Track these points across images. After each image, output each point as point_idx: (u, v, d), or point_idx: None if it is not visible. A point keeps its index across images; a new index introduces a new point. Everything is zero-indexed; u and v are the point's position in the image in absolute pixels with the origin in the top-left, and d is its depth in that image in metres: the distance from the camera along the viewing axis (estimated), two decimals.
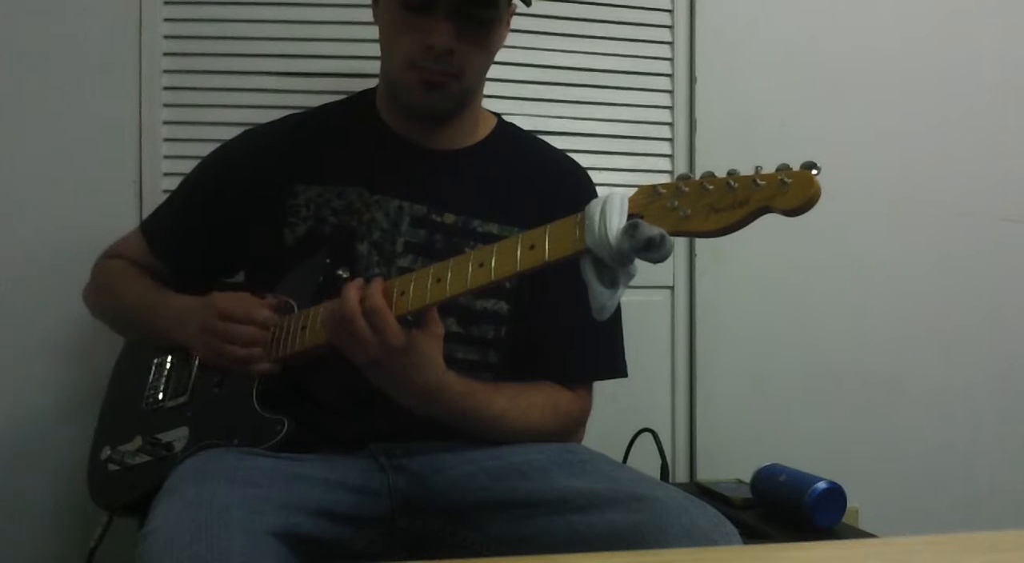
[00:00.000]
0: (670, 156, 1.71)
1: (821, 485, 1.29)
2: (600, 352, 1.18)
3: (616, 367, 1.22)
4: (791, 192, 0.76)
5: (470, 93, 1.21)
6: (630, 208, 0.84)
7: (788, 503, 1.32)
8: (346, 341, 0.97)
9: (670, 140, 1.71)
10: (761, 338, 1.74)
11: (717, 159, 1.70)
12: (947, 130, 1.82)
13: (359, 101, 1.29)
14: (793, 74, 1.76)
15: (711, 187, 0.80)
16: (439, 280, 0.95)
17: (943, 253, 1.82)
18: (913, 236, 1.80)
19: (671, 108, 1.71)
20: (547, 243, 0.88)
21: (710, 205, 0.80)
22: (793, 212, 0.77)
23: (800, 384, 1.75)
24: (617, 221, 0.82)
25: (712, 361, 1.72)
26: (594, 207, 0.84)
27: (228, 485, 0.93)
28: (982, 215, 1.83)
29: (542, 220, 1.06)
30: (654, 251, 0.79)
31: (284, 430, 1.06)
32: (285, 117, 1.32)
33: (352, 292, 0.96)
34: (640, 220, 0.81)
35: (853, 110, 1.78)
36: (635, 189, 0.86)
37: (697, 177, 0.82)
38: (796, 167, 0.78)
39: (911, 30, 1.80)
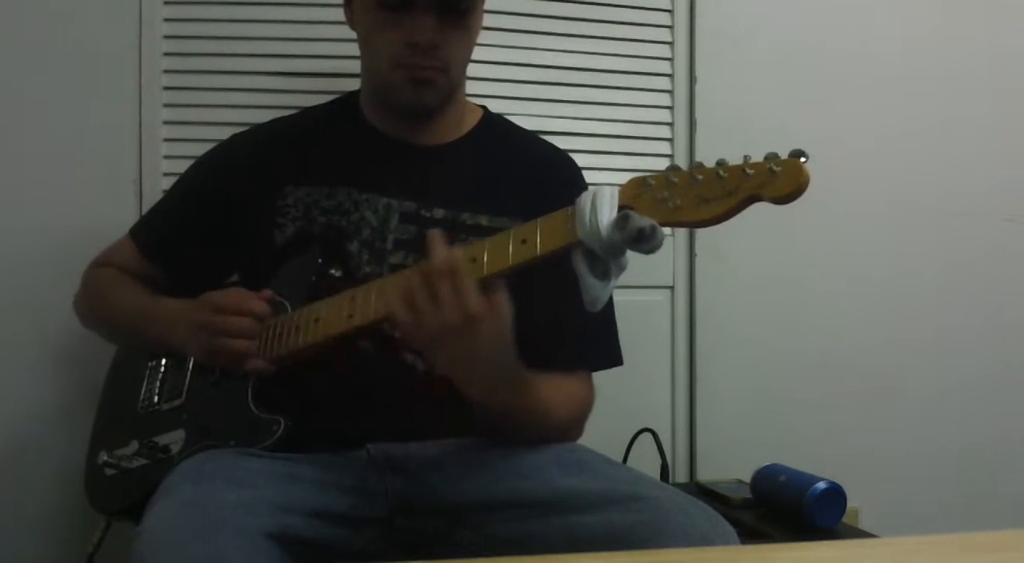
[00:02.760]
0: (670, 156, 1.71)
1: (821, 485, 1.29)
2: (597, 343, 1.18)
3: (613, 357, 1.22)
4: (780, 180, 0.77)
5: (456, 86, 1.21)
6: (620, 200, 0.84)
7: (788, 503, 1.32)
8: (420, 306, 0.89)
9: (670, 140, 1.71)
10: (761, 338, 1.74)
11: (717, 159, 1.71)
12: (947, 130, 1.82)
13: (344, 102, 1.29)
14: (793, 74, 1.76)
15: (700, 177, 0.81)
16: None
17: (943, 253, 1.82)
18: (913, 236, 1.80)
19: (671, 108, 1.71)
20: (539, 237, 0.88)
21: (700, 195, 0.81)
22: (783, 200, 0.77)
23: (800, 384, 1.75)
24: (608, 213, 0.83)
25: (712, 361, 1.72)
26: (584, 200, 0.85)
27: (224, 486, 0.92)
28: (982, 215, 1.83)
29: (532, 210, 1.06)
30: (645, 242, 0.80)
31: (280, 430, 1.06)
32: (272, 120, 1.33)
33: (442, 247, 0.89)
34: (631, 211, 0.81)
35: (853, 110, 1.78)
36: (625, 181, 0.86)
37: (687, 168, 0.83)
38: (785, 155, 0.78)
39: (911, 30, 1.80)
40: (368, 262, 1.16)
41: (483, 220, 1.18)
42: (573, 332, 1.15)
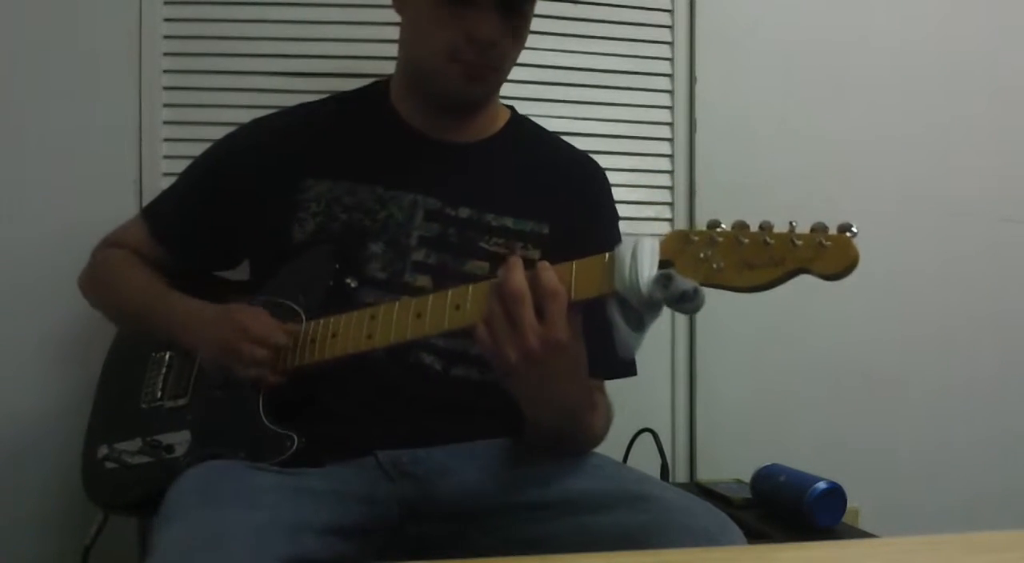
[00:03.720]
0: (670, 156, 1.71)
1: (821, 485, 1.29)
2: (613, 352, 1.17)
3: (628, 366, 1.20)
4: (830, 256, 0.76)
5: (502, 84, 1.21)
6: (661, 254, 0.82)
7: (788, 503, 1.32)
8: (500, 329, 0.86)
9: (670, 140, 1.71)
10: (761, 338, 1.74)
11: (717, 159, 1.72)
12: (947, 130, 1.82)
13: (372, 92, 1.26)
14: (793, 74, 1.76)
15: (746, 241, 0.79)
16: (457, 307, 0.93)
17: (943, 253, 1.82)
18: (913, 236, 1.80)
19: (671, 108, 1.71)
20: (573, 281, 0.86)
21: (744, 260, 0.79)
22: (832, 277, 0.77)
23: (800, 384, 1.75)
24: (648, 269, 0.81)
25: (712, 361, 1.72)
26: (624, 251, 0.83)
27: (235, 509, 0.90)
28: (982, 215, 1.83)
29: (558, 214, 1.01)
30: (687, 303, 0.78)
31: (294, 447, 1.04)
32: (296, 106, 1.29)
33: (517, 268, 0.87)
34: (673, 271, 0.79)
35: (853, 110, 1.78)
36: (666, 234, 0.84)
37: (727, 226, 0.81)
38: (832, 225, 0.77)
39: (911, 30, 1.80)
40: (390, 260, 1.14)
41: (509, 222, 1.17)
42: (592, 341, 1.14)
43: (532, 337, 0.85)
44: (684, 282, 0.78)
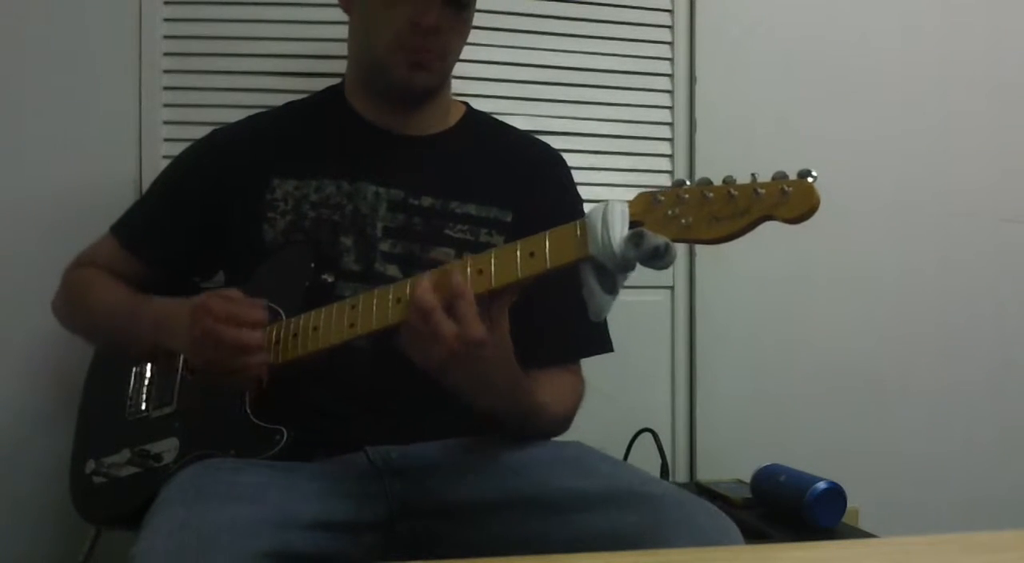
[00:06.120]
0: (670, 156, 1.71)
1: (821, 485, 1.29)
2: (587, 332, 1.18)
3: (603, 342, 1.22)
4: (792, 201, 0.78)
5: (446, 75, 1.23)
6: (630, 215, 0.84)
7: (788, 503, 1.32)
8: (419, 337, 0.90)
9: (670, 140, 1.71)
10: (761, 338, 1.75)
11: (717, 159, 1.72)
12: (947, 130, 1.82)
13: (326, 95, 1.30)
14: (793, 74, 1.76)
15: (711, 195, 0.81)
16: None
17: (943, 253, 1.82)
18: (913, 236, 1.80)
19: (671, 108, 1.72)
20: (547, 250, 0.88)
21: (711, 214, 0.81)
22: (795, 220, 0.79)
23: (800, 384, 1.75)
24: (620, 230, 0.83)
25: (712, 361, 1.72)
26: (595, 215, 0.85)
27: (219, 505, 0.90)
28: (982, 215, 1.83)
29: (521, 198, 1.01)
30: (659, 259, 0.81)
31: (283, 441, 1.04)
32: (252, 116, 1.32)
33: (422, 281, 0.90)
34: (644, 229, 0.82)
35: (853, 110, 1.78)
36: (633, 196, 0.86)
37: (693, 183, 0.83)
38: (792, 173, 0.79)
39: (911, 30, 1.81)
40: (362, 252, 1.16)
41: (472, 209, 1.19)
42: (563, 324, 1.14)
43: (450, 339, 0.88)
44: (655, 238, 0.80)
